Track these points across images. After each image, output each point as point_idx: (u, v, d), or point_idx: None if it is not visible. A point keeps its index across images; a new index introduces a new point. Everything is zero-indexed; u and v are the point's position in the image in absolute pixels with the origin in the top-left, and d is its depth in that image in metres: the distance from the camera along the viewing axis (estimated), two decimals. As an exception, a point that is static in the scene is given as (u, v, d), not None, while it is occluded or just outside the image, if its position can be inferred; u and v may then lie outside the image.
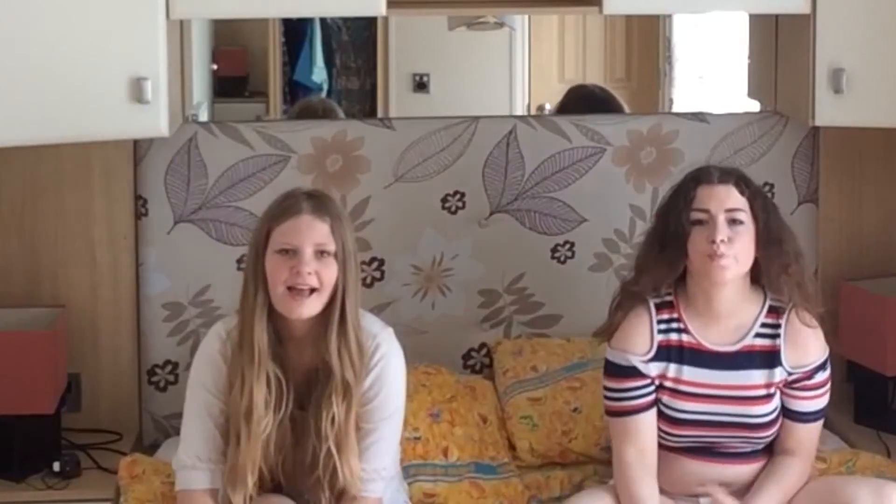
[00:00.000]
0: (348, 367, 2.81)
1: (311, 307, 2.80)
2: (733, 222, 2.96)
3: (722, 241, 2.93)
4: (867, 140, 3.74)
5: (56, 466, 3.35)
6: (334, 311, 2.82)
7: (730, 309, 3.02)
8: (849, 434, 3.57)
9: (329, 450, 2.81)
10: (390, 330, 2.95)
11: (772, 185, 3.74)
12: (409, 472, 3.29)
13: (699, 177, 3.02)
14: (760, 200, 3.02)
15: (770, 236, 3.00)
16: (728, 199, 2.97)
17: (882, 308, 3.54)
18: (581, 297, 3.67)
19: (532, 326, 3.73)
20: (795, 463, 3.03)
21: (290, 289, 2.78)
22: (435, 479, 3.31)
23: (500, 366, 3.64)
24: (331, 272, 2.80)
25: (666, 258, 3.01)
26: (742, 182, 3.01)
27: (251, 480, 2.82)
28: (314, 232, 2.80)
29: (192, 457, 2.88)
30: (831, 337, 3.70)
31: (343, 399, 2.81)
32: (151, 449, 3.54)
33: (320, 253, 2.80)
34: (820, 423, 3.09)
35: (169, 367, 3.67)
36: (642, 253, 3.10)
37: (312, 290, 2.79)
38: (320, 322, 2.83)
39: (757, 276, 3.05)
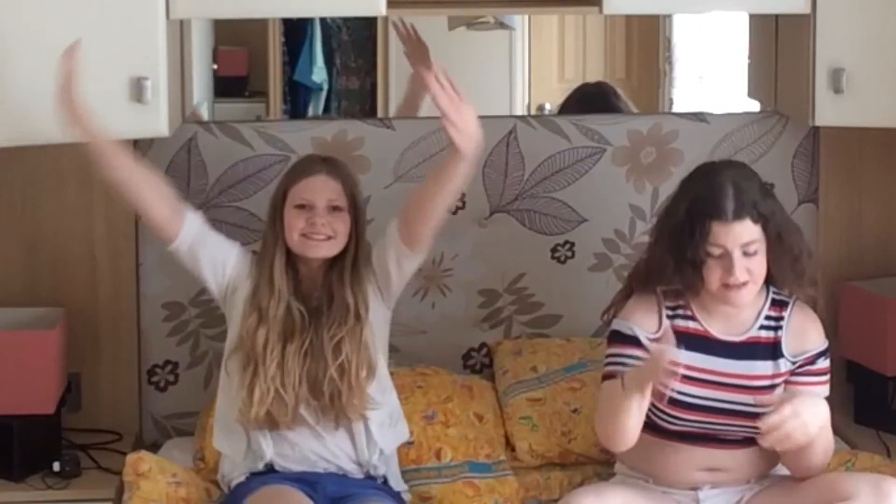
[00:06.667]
0: (361, 302, 3.15)
1: (327, 250, 3.15)
2: (748, 254, 2.97)
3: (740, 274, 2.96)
4: (867, 140, 3.74)
5: (56, 466, 3.35)
6: (348, 256, 3.17)
7: (742, 306, 3.05)
8: (849, 434, 3.57)
9: (332, 375, 3.10)
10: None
11: (772, 186, 3.72)
12: (404, 477, 3.30)
13: (713, 213, 2.96)
14: (772, 217, 3.00)
15: (782, 245, 3.02)
16: (743, 235, 2.97)
17: (882, 308, 3.55)
18: (581, 297, 3.68)
19: (532, 326, 3.74)
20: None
21: (303, 235, 3.13)
22: (429, 482, 3.32)
23: (499, 366, 3.64)
24: (342, 224, 3.15)
25: (682, 278, 3.02)
26: (755, 209, 2.97)
27: (274, 399, 3.11)
28: (328, 189, 3.16)
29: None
30: (832, 337, 3.72)
31: (354, 326, 3.13)
32: (152, 449, 3.53)
33: (332, 208, 3.14)
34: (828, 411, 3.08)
35: (169, 367, 3.68)
36: (656, 264, 3.07)
37: (329, 238, 3.13)
38: (335, 262, 3.17)
39: None
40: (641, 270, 3.14)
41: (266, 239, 3.22)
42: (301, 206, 3.14)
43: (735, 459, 3.06)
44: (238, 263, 3.21)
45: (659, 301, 3.07)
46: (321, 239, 3.13)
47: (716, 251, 2.96)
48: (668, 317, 3.05)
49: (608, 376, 3.05)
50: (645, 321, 3.04)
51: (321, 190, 3.15)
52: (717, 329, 3.06)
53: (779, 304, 3.09)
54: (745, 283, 2.97)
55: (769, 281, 3.09)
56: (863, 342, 3.63)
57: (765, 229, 2.99)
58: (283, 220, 3.16)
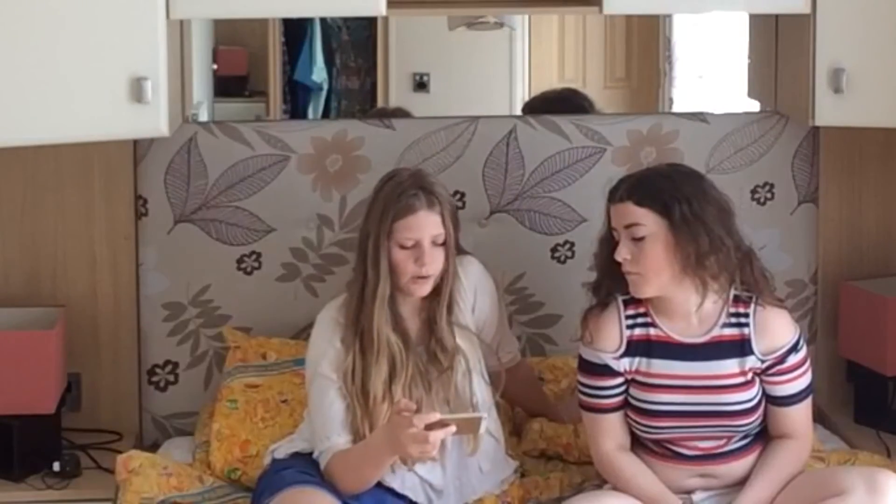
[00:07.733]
0: (457, 333, 3.13)
1: (429, 288, 3.09)
2: (635, 238, 2.99)
3: (625, 258, 2.99)
4: (867, 140, 3.74)
5: (56, 466, 3.35)
6: (444, 289, 3.12)
7: (690, 306, 3.03)
8: (849, 434, 3.57)
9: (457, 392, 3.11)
10: (468, 257, 3.25)
11: (772, 185, 3.74)
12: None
13: (608, 196, 3.08)
14: (679, 210, 2.97)
15: (685, 238, 2.97)
16: (626, 216, 3.01)
17: (882, 308, 3.54)
18: (581, 297, 3.65)
19: (532, 326, 3.73)
20: (790, 445, 3.05)
21: (413, 278, 3.07)
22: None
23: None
24: (442, 258, 3.09)
25: (611, 270, 3.07)
26: (647, 197, 2.99)
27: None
28: (430, 226, 3.07)
29: (336, 435, 3.03)
30: (831, 337, 3.72)
31: (461, 359, 3.11)
32: (151, 449, 3.54)
33: (434, 243, 3.07)
34: (807, 402, 3.08)
35: (169, 367, 3.68)
36: (598, 267, 3.14)
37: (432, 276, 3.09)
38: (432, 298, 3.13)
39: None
40: (595, 280, 3.15)
41: (365, 278, 3.08)
42: (405, 247, 3.06)
43: (728, 466, 3.06)
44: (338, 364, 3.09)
45: (619, 313, 3.07)
46: (428, 277, 3.07)
47: (615, 234, 3.03)
48: (629, 326, 3.05)
49: (586, 407, 3.08)
50: (608, 341, 3.05)
51: (425, 226, 3.06)
52: (679, 332, 3.04)
53: (742, 301, 3.05)
54: (636, 274, 2.98)
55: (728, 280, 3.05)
56: (863, 342, 3.63)
57: (669, 220, 2.96)
58: (389, 258, 3.05)
